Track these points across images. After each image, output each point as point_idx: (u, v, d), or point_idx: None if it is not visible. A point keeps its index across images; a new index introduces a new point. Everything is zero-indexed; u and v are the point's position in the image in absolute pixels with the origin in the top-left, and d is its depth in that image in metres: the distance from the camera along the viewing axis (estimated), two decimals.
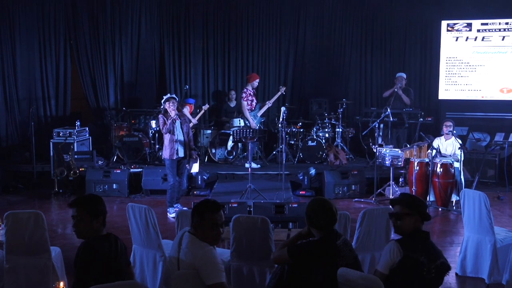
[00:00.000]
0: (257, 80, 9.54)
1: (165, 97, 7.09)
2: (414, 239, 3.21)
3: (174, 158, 6.98)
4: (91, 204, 3.14)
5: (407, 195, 3.56)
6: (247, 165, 8.50)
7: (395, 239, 3.28)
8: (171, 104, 6.94)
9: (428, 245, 3.22)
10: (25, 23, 10.34)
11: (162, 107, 7.12)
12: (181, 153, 7.05)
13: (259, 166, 9.37)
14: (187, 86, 10.49)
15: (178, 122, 7.01)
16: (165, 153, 7.04)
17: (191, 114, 9.51)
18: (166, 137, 7.03)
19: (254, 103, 9.46)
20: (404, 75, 9.94)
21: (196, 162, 8.34)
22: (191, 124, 9.18)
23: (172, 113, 6.93)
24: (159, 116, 7.13)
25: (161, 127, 7.07)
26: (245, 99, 9.38)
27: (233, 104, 10.44)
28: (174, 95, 7.25)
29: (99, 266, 3.00)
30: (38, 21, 10.42)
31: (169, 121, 6.93)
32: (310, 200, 3.36)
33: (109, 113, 10.63)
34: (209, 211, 3.14)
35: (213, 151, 9.69)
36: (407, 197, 3.41)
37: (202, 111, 9.62)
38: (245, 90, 9.48)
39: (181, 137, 7.03)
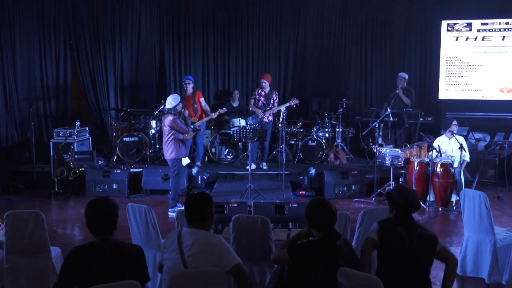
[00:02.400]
0: (264, 81, 9.36)
1: (178, 98, 7.02)
2: (392, 217, 3.45)
3: (185, 156, 7.02)
4: None
5: (391, 189, 3.70)
6: (258, 166, 8.60)
7: None
8: (182, 104, 7.00)
9: (406, 218, 3.37)
10: (25, 23, 10.31)
11: (173, 107, 6.90)
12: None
13: (266, 167, 9.27)
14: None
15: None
16: (178, 153, 6.94)
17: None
18: (174, 137, 6.92)
19: (261, 105, 9.36)
20: (406, 75, 9.91)
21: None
22: (199, 123, 9.18)
23: (186, 112, 6.98)
24: (175, 117, 6.89)
25: (181, 127, 6.90)
26: (252, 96, 9.55)
27: (235, 104, 10.42)
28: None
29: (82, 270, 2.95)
30: (38, 21, 10.39)
31: (190, 120, 7.01)
32: (310, 200, 3.36)
33: (109, 113, 10.63)
34: (212, 202, 3.33)
35: (213, 151, 9.68)
36: (389, 192, 3.58)
37: (216, 114, 9.21)
38: (257, 89, 9.56)
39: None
